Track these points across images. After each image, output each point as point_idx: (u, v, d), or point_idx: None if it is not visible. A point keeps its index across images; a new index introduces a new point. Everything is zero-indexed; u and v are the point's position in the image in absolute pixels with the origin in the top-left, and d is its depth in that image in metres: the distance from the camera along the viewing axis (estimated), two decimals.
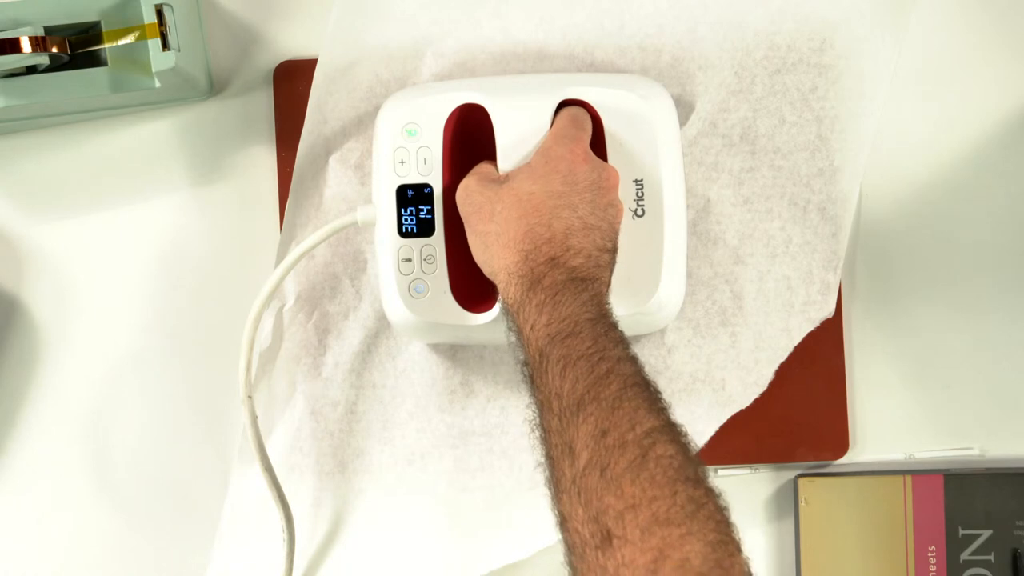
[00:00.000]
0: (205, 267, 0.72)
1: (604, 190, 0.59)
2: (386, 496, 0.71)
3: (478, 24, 0.71)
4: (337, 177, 0.71)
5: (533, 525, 0.70)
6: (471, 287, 0.64)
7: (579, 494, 0.48)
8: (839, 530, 0.69)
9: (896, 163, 0.72)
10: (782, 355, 0.70)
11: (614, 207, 0.60)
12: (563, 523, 0.50)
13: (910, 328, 0.72)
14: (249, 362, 0.67)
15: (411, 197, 0.64)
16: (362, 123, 0.71)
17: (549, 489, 0.52)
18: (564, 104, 0.64)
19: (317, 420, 0.71)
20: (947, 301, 0.72)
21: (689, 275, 0.68)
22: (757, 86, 0.70)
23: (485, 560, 0.71)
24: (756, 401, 0.70)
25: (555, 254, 0.56)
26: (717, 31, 0.70)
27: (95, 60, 0.65)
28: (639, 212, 0.64)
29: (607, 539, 0.46)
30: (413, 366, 0.71)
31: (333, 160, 0.71)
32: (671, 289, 0.64)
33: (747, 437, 0.71)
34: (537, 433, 0.53)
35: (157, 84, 0.64)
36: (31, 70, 0.64)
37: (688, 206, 0.68)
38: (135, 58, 0.64)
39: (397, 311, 0.65)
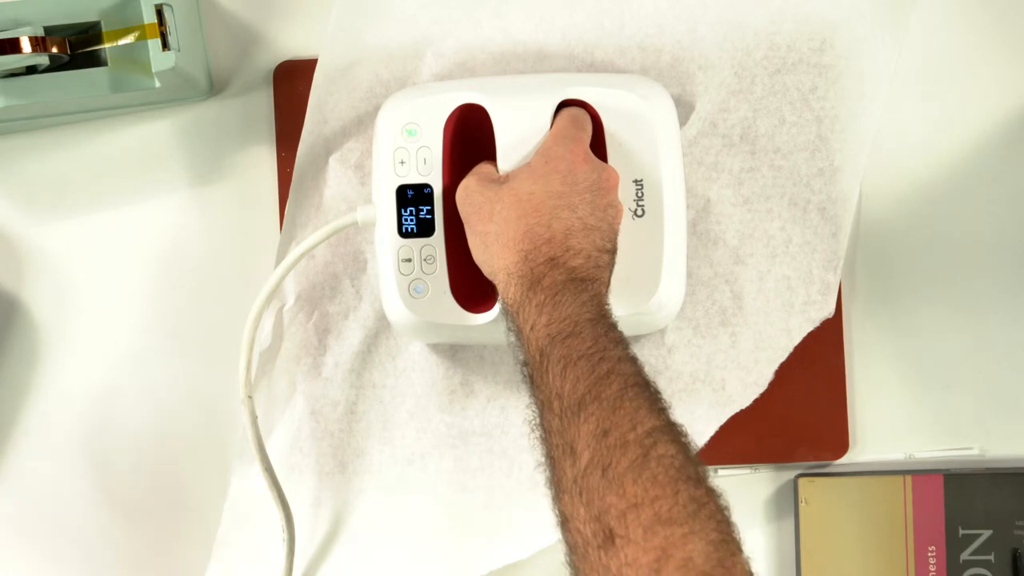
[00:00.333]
0: (205, 267, 0.72)
1: (604, 190, 0.59)
2: (386, 496, 0.71)
3: (478, 24, 0.71)
4: (337, 177, 0.71)
5: (533, 525, 0.70)
6: (471, 287, 0.64)
7: (581, 494, 0.48)
8: (839, 530, 0.69)
9: (896, 163, 0.72)
10: (782, 355, 0.70)
11: (614, 207, 0.60)
12: (564, 523, 0.50)
13: (910, 328, 0.72)
14: (249, 362, 0.67)
15: (411, 197, 0.64)
16: (362, 123, 0.71)
17: (550, 489, 0.52)
18: (564, 104, 0.64)
19: (317, 420, 0.71)
20: (947, 301, 0.72)
21: (689, 275, 0.68)
22: (757, 86, 0.70)
23: (485, 560, 0.71)
24: (756, 401, 0.70)
25: (555, 254, 0.56)
26: (717, 31, 0.70)
27: (95, 60, 0.65)
28: (639, 212, 0.64)
29: (609, 538, 0.46)
30: (413, 366, 0.71)
31: (333, 160, 0.71)
32: (671, 289, 0.64)
33: (747, 437, 0.71)
34: (537, 433, 0.53)
35: (157, 84, 0.64)
36: (31, 70, 0.64)
37: (688, 206, 0.68)
38: (135, 58, 0.64)
39: (397, 311, 0.65)
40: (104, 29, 0.64)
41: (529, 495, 0.71)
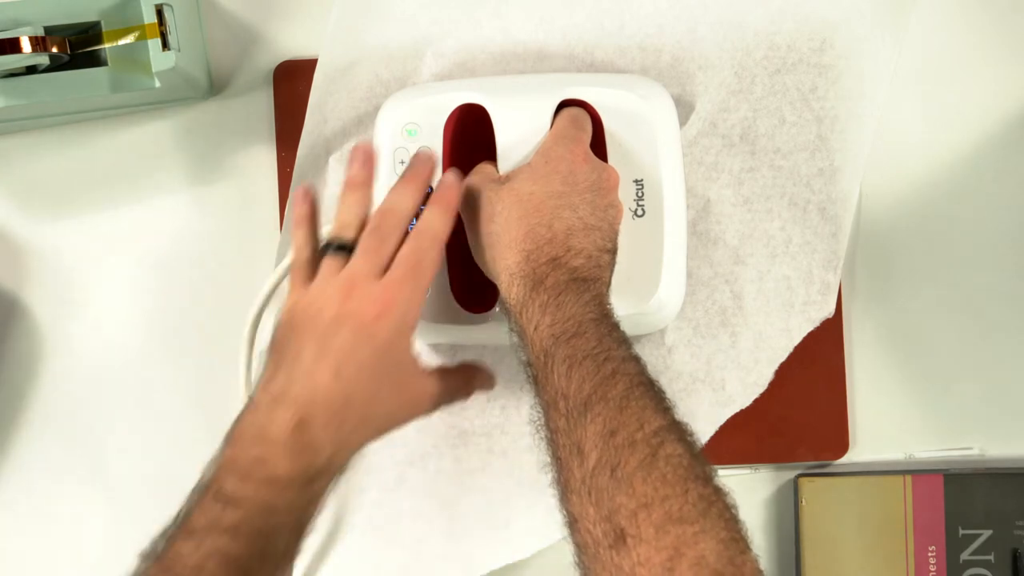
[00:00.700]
0: (205, 267, 0.72)
1: (604, 190, 0.59)
2: (386, 496, 0.71)
3: (478, 24, 0.71)
4: (337, 177, 0.71)
5: (533, 525, 0.70)
6: (471, 287, 0.64)
7: (590, 494, 0.48)
8: (839, 530, 0.69)
9: (896, 163, 0.72)
10: (782, 355, 0.70)
11: (614, 207, 0.60)
12: (573, 523, 0.49)
13: (910, 328, 0.72)
14: (249, 362, 0.67)
15: None
16: (362, 123, 0.71)
17: (556, 490, 0.51)
18: (564, 104, 0.64)
19: None
20: (947, 301, 0.72)
21: (689, 275, 0.68)
22: (757, 86, 0.70)
23: (485, 560, 0.71)
24: (756, 401, 0.70)
25: (556, 254, 0.56)
26: (717, 31, 0.70)
27: (95, 60, 0.64)
28: (639, 212, 0.64)
29: (621, 538, 0.46)
30: None
31: (333, 160, 0.71)
32: (671, 289, 0.64)
33: (747, 437, 0.71)
34: (542, 434, 0.53)
35: (157, 84, 0.64)
36: (31, 70, 0.64)
37: (688, 206, 0.68)
38: (135, 58, 0.64)
39: None
40: (104, 29, 0.64)
41: (529, 495, 0.71)
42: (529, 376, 0.55)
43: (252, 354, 0.67)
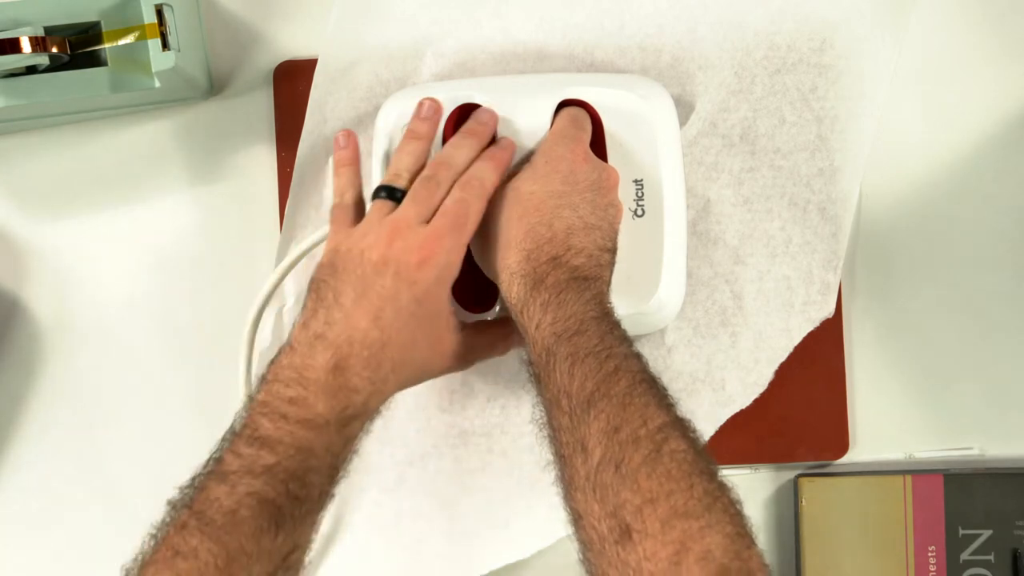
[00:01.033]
0: (205, 267, 0.72)
1: (604, 190, 0.60)
2: (386, 496, 0.71)
3: (478, 24, 0.71)
4: None
5: (533, 525, 0.70)
6: (471, 287, 0.64)
7: (594, 490, 0.48)
8: (839, 530, 0.69)
9: (896, 163, 0.72)
10: (782, 355, 0.70)
11: (614, 207, 0.60)
12: (577, 520, 0.50)
13: (910, 328, 0.72)
14: (249, 362, 0.67)
15: None
16: (362, 123, 0.71)
17: (560, 487, 0.52)
18: (564, 104, 0.64)
19: None
20: (947, 301, 0.72)
21: (689, 275, 0.68)
22: (757, 86, 0.70)
23: (485, 560, 0.71)
24: (756, 401, 0.70)
25: (557, 253, 0.56)
26: (717, 31, 0.70)
27: (95, 60, 0.64)
28: (639, 212, 0.64)
29: (626, 533, 0.47)
30: None
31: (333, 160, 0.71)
32: (671, 289, 0.64)
33: (747, 437, 0.71)
34: (545, 432, 0.53)
35: (157, 84, 0.64)
36: (31, 70, 0.64)
37: (688, 206, 0.68)
38: (135, 58, 0.64)
39: None
40: (104, 29, 0.64)
41: (529, 495, 0.71)
42: (531, 374, 0.55)
43: (252, 354, 0.67)
